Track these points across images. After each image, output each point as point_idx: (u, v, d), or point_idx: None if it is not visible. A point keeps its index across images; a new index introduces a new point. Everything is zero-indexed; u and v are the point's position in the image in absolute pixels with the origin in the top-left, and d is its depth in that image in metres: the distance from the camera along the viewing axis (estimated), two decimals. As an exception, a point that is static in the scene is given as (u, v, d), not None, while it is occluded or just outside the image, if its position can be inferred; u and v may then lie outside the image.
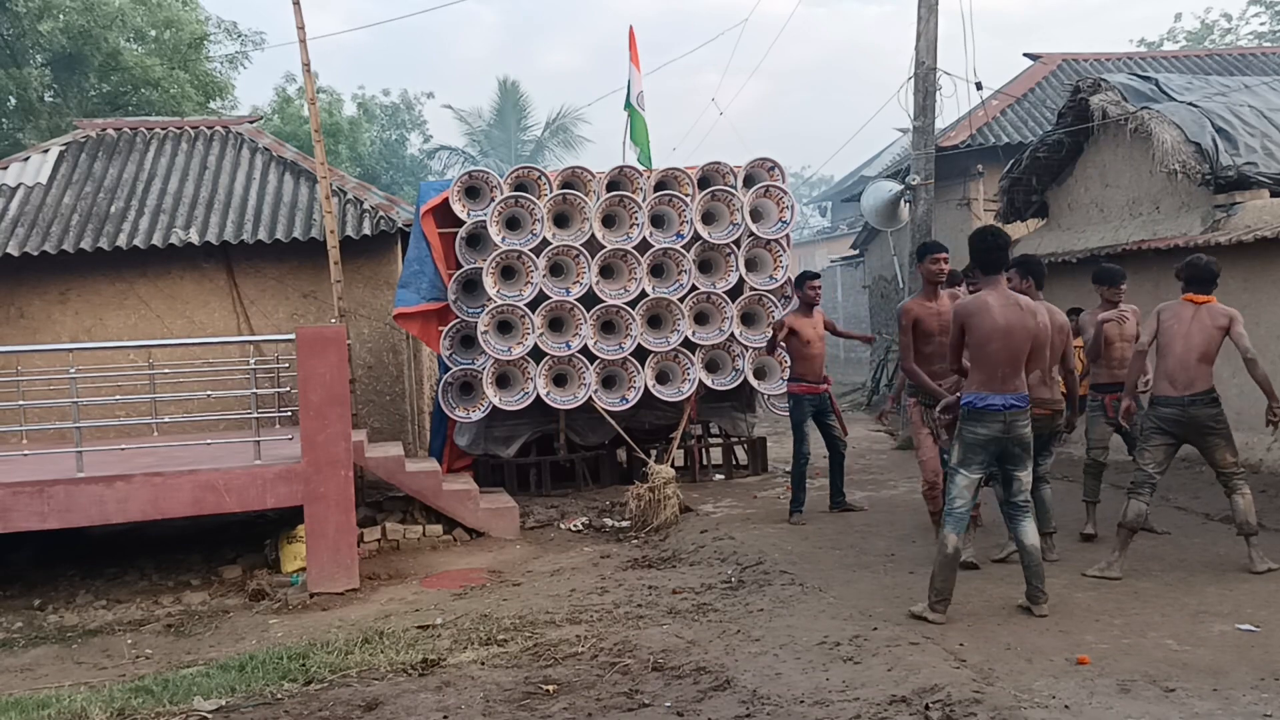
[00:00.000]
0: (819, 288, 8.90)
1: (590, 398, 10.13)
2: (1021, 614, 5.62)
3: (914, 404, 6.98)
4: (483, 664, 5.48)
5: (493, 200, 10.13)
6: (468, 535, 8.97)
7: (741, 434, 11.25)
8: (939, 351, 6.69)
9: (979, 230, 5.88)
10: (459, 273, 10.22)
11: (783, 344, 8.77)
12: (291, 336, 8.18)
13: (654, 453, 10.56)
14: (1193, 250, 9.54)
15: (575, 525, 9.21)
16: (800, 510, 8.60)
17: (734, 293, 10.57)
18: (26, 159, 12.49)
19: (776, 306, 10.53)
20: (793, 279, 9.57)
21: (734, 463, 11.30)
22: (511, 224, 10.21)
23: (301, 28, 10.28)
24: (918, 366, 6.76)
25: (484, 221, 10.05)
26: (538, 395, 10.01)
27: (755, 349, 10.49)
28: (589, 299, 10.16)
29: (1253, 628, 5.24)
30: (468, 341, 10.32)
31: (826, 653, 5.20)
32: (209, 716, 5.06)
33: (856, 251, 23.11)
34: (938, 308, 6.81)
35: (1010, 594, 5.94)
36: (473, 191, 10.39)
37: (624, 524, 9.04)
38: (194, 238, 11.14)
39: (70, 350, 9.58)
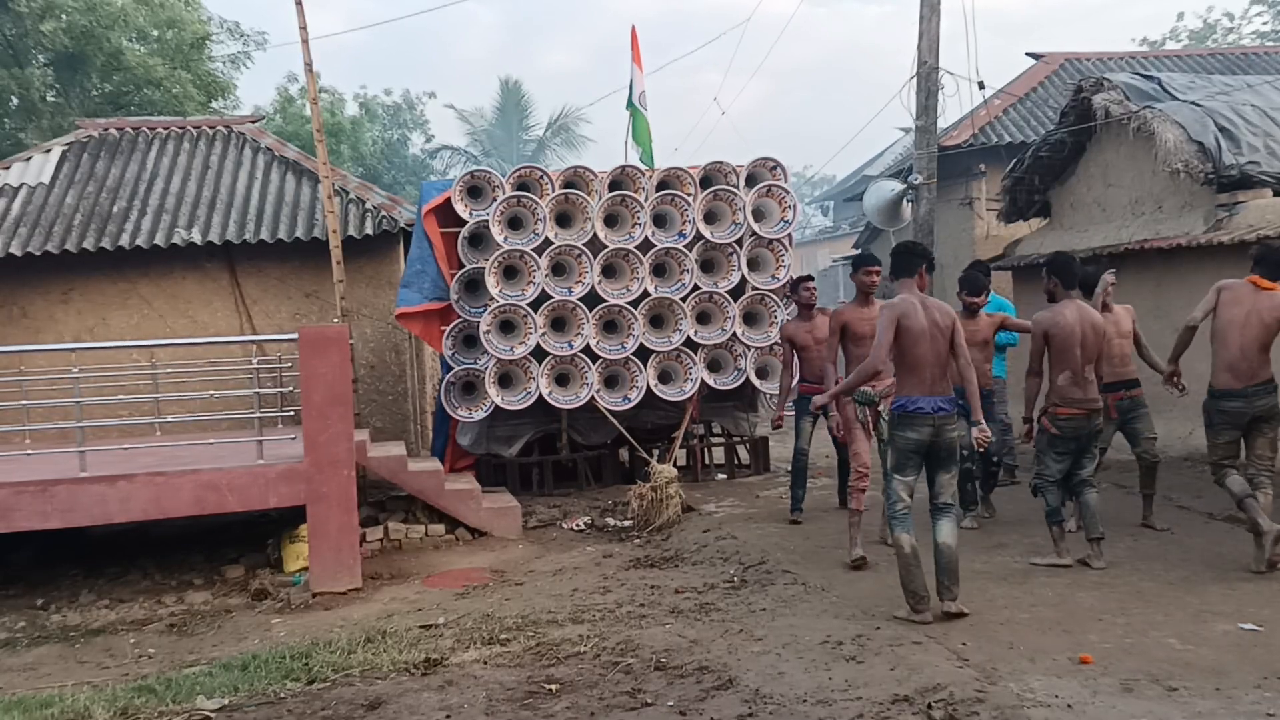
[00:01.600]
0: (813, 289, 8.85)
1: (592, 397, 10.13)
2: (1025, 613, 5.62)
3: (848, 402, 7.22)
4: (485, 663, 5.49)
5: (495, 200, 10.13)
6: (470, 535, 8.97)
7: (744, 433, 11.25)
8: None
9: (900, 244, 6.14)
10: (461, 272, 10.22)
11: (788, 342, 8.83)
12: (294, 336, 8.18)
13: (656, 452, 10.55)
14: (1195, 249, 9.57)
15: (577, 525, 9.21)
16: (799, 509, 8.61)
17: (736, 292, 10.57)
18: (29, 159, 12.49)
19: (779, 306, 10.53)
20: (793, 280, 9.55)
21: (736, 462, 11.30)
22: (514, 224, 10.21)
23: (304, 27, 10.28)
24: (849, 369, 7.14)
25: (486, 221, 10.05)
26: (540, 395, 10.00)
27: (757, 348, 10.50)
28: (591, 299, 10.16)
29: (1255, 627, 5.24)
30: (470, 341, 10.32)
31: (829, 652, 5.21)
32: (212, 716, 5.06)
33: (859, 251, 23.08)
34: (869, 314, 7.17)
35: (1013, 593, 5.95)
36: (475, 191, 10.39)
37: (626, 523, 9.04)
38: (196, 237, 11.14)
39: (73, 350, 9.59)
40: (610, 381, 10.41)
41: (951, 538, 5.65)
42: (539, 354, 10.07)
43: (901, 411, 5.61)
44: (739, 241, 10.53)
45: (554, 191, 10.27)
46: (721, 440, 11.39)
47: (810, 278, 9.08)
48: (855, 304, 7.40)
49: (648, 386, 10.23)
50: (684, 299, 10.36)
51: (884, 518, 7.24)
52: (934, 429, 5.57)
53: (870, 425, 7.17)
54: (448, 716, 4.77)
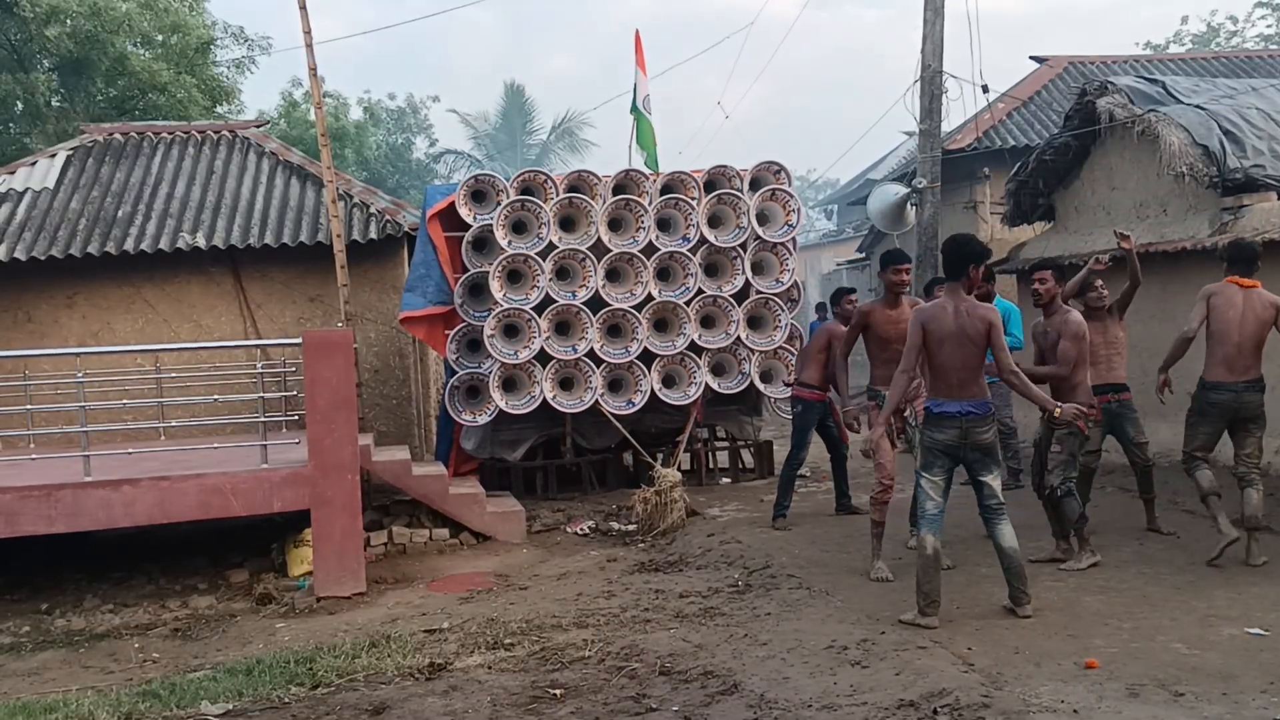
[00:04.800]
0: (855, 300, 8.49)
1: (596, 401, 10.12)
2: (1030, 617, 5.60)
3: (873, 407, 7.07)
4: (490, 668, 5.48)
5: (499, 204, 10.13)
6: (474, 539, 8.96)
7: (748, 437, 11.24)
8: (895, 358, 6.55)
9: (956, 236, 5.92)
10: (465, 276, 10.22)
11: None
12: (298, 340, 8.19)
13: (660, 456, 10.54)
14: (1201, 253, 9.55)
15: (582, 529, 9.21)
16: (784, 515, 8.56)
17: (740, 296, 10.56)
18: (34, 164, 12.51)
19: (783, 310, 10.52)
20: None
21: (740, 466, 11.30)
22: (518, 228, 10.21)
23: (308, 32, 10.29)
24: (878, 371, 7.03)
25: (490, 225, 10.05)
26: (544, 399, 10.00)
27: (762, 352, 10.49)
28: (595, 303, 10.16)
29: (1262, 631, 5.23)
30: (474, 345, 10.32)
31: (834, 657, 5.20)
32: (216, 720, 5.06)
33: (862, 255, 23.09)
34: (896, 315, 6.92)
35: (1018, 598, 5.92)
36: (479, 195, 10.40)
37: (630, 527, 9.03)
38: (201, 242, 11.15)
39: (78, 354, 9.60)
40: (614, 385, 10.41)
41: (1014, 540, 5.71)
42: (543, 358, 10.07)
43: (929, 413, 5.71)
44: (743, 245, 10.53)
45: (558, 195, 10.27)
46: (726, 444, 11.38)
47: (852, 290, 8.69)
48: (883, 304, 7.12)
49: (652, 390, 10.23)
50: (688, 303, 10.36)
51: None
52: (961, 431, 5.60)
53: (895, 434, 6.92)
54: (452, 721, 4.77)
